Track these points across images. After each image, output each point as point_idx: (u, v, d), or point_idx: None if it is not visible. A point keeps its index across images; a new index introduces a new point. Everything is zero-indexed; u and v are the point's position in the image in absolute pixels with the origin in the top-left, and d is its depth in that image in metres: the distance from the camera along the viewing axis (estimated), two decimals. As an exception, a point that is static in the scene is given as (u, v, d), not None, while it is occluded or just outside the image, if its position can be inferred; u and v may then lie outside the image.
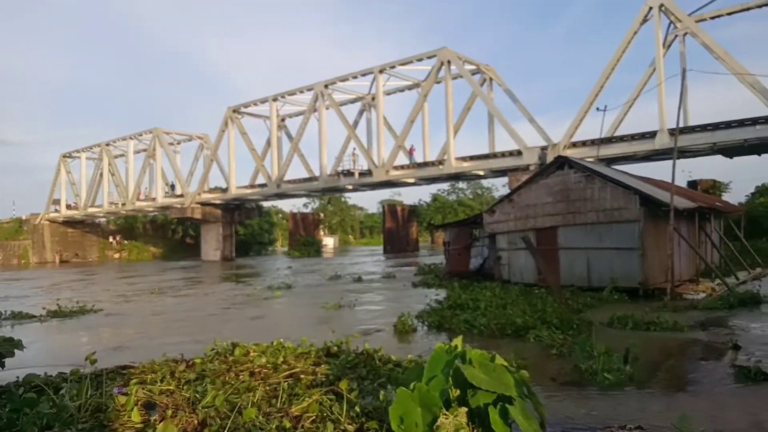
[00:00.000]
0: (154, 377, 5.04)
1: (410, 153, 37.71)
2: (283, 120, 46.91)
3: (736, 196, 42.85)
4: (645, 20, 29.14)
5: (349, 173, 38.97)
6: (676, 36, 32.16)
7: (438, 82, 36.63)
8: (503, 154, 32.96)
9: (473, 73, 36.10)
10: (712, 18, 32.41)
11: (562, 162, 16.81)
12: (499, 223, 17.85)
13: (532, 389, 3.90)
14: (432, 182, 42.57)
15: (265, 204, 59.14)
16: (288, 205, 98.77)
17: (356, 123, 42.80)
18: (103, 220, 62.96)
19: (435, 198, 63.34)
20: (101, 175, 55.89)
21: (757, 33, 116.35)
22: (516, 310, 11.01)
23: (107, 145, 55.28)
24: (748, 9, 31.94)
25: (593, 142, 28.33)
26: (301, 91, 42.13)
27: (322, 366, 5.65)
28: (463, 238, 20.35)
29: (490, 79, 37.00)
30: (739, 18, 41.47)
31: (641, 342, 8.53)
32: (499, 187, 61.45)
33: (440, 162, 35.56)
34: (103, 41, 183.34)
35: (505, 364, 3.90)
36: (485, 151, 36.34)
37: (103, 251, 61.30)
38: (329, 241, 67.52)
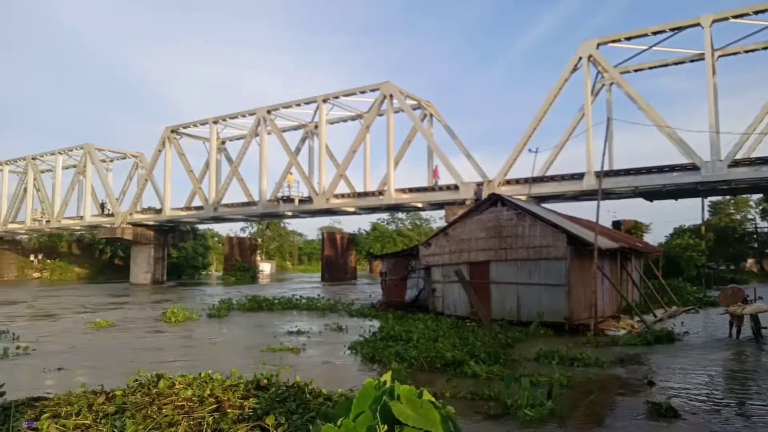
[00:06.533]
0: (69, 410, 4.80)
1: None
2: (223, 143, 46.26)
3: (656, 237, 45.67)
4: (575, 69, 30.98)
5: (288, 199, 38.68)
6: (603, 85, 34.28)
7: (380, 115, 37.27)
8: (441, 188, 33.73)
9: (414, 108, 37.03)
10: (636, 71, 34.90)
11: (495, 199, 17.44)
12: (435, 256, 18.19)
13: (458, 425, 4.02)
14: (372, 212, 42.88)
15: (201, 227, 57.56)
16: (225, 229, 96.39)
17: (298, 150, 42.75)
18: (24, 237, 59.26)
19: (374, 227, 63.66)
20: (25, 189, 52.81)
21: (676, 87, 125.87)
22: (446, 344, 11.20)
23: (33, 159, 52.49)
24: (665, 65, 34.71)
25: (526, 181, 29.50)
26: (243, 115, 41.79)
27: (251, 399, 5.54)
28: (399, 269, 20.56)
29: (431, 115, 38.03)
30: (659, 72, 44.74)
31: (565, 377, 8.88)
32: (437, 218, 62.57)
33: (380, 192, 35.96)
34: (33, 49, 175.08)
35: (432, 399, 4.01)
36: (424, 183, 37.11)
37: (22, 270, 57.54)
38: (266, 267, 66.17)
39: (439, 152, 34.12)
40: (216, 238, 76.23)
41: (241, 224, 71.33)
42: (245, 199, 43.29)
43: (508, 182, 31.33)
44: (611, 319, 16.51)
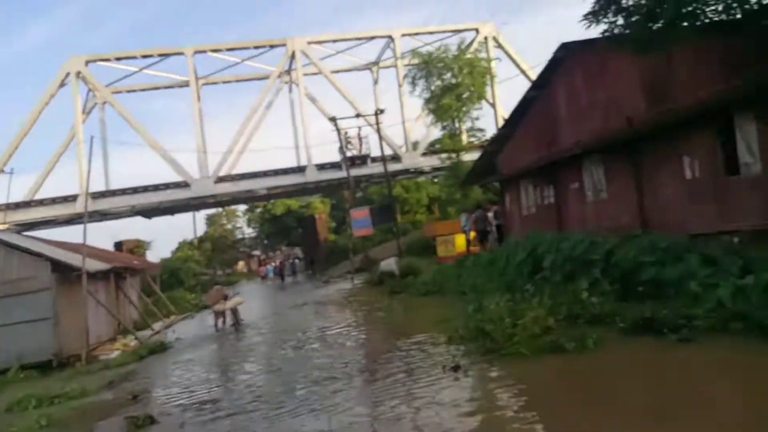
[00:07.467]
0: None
1: None
2: None
3: (163, 252, 47.60)
4: (63, 84, 29.25)
5: None
6: (96, 104, 33.41)
7: None
8: None
9: None
10: (129, 91, 35.46)
11: (-45, 231, 14.59)
12: None
13: None
14: None
15: None
16: None
17: None
18: None
19: None
20: None
21: (174, 108, 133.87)
22: None
23: None
24: (158, 88, 36.62)
25: (8, 207, 25.89)
26: None
27: None
28: None
29: None
30: (159, 94, 47.10)
31: (44, 418, 8.23)
32: None
33: None
34: None
35: None
36: None
37: None
38: None
39: None
40: None
41: None
42: None
43: (-15, 209, 26.73)
44: (109, 342, 16.29)
